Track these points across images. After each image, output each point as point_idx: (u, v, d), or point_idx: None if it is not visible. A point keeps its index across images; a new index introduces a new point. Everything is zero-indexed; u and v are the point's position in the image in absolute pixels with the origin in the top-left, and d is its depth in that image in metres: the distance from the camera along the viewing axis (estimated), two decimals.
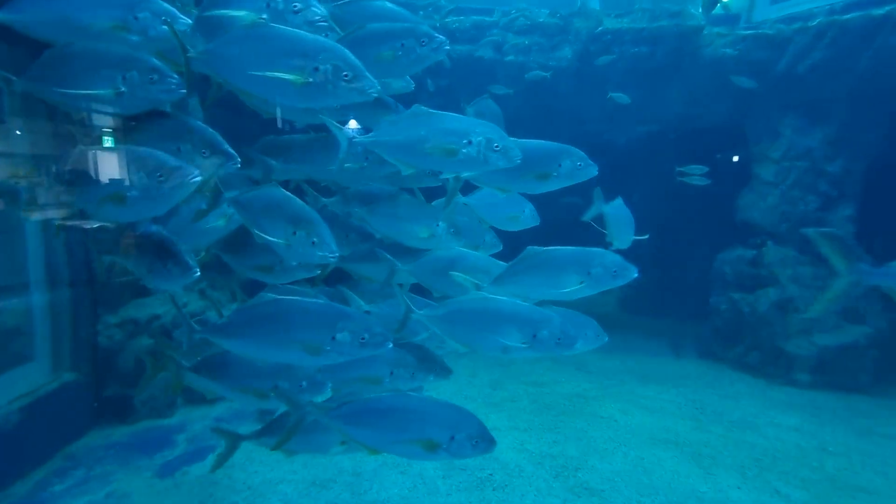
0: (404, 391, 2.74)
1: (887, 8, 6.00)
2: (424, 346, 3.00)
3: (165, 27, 2.40)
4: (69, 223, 4.76)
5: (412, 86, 3.38)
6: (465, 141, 2.51)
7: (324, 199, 3.34)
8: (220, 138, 2.62)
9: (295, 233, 2.60)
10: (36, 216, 4.56)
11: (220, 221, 3.04)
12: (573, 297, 2.74)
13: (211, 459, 4.43)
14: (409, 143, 2.58)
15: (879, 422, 5.57)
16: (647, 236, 4.18)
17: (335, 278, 3.33)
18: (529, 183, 2.83)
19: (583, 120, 8.01)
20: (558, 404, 5.67)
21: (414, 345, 2.97)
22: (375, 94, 2.34)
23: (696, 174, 7.19)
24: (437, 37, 2.80)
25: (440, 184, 3.31)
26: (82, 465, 4.32)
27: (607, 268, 2.67)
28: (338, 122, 2.78)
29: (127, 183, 2.45)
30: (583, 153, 2.75)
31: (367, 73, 2.29)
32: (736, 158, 8.50)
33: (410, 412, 2.38)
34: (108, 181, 2.58)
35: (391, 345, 2.36)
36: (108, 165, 2.60)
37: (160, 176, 2.39)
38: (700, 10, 7.49)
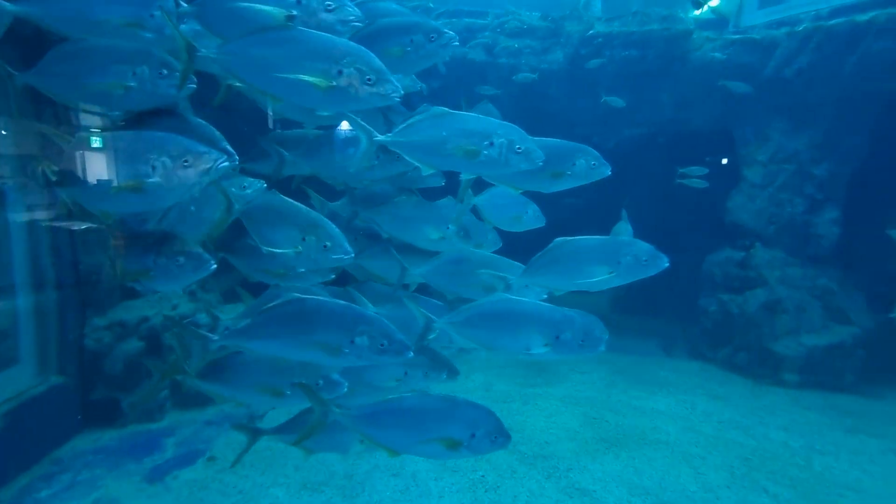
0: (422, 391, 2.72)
1: (871, 14, 6.12)
2: (432, 347, 2.99)
3: (184, 26, 2.38)
4: (57, 223, 4.71)
5: (419, 85, 3.37)
6: (486, 142, 2.50)
7: (330, 204, 3.31)
8: (219, 135, 2.59)
9: (304, 239, 2.56)
10: (22, 216, 4.50)
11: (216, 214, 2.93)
12: (603, 288, 2.71)
13: (201, 463, 4.39)
14: (430, 143, 2.56)
15: (866, 420, 5.66)
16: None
17: (341, 280, 3.31)
18: (544, 181, 2.80)
19: (574, 123, 8.07)
20: (551, 404, 5.69)
21: (423, 345, 2.96)
22: (398, 99, 2.32)
23: (695, 176, 7.26)
24: (447, 33, 2.78)
25: (440, 184, 3.32)
26: (69, 469, 4.26)
27: (637, 257, 2.62)
28: (332, 123, 2.78)
29: (147, 169, 2.30)
30: (597, 153, 2.74)
31: (391, 77, 2.27)
32: (725, 161, 8.61)
33: (430, 411, 2.38)
34: (125, 168, 2.38)
35: (411, 353, 2.34)
36: (124, 151, 2.38)
37: (185, 161, 2.28)
38: (690, 14, 7.59)
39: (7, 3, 2.30)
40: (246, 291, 3.26)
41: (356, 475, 4.22)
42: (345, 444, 2.73)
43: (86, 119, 4.90)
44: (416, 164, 2.67)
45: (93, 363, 4.90)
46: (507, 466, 4.37)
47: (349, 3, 2.51)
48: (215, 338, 2.48)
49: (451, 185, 3.30)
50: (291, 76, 2.21)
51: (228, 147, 2.60)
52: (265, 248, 2.65)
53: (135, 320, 5.12)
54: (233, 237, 2.97)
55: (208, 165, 2.29)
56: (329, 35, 2.27)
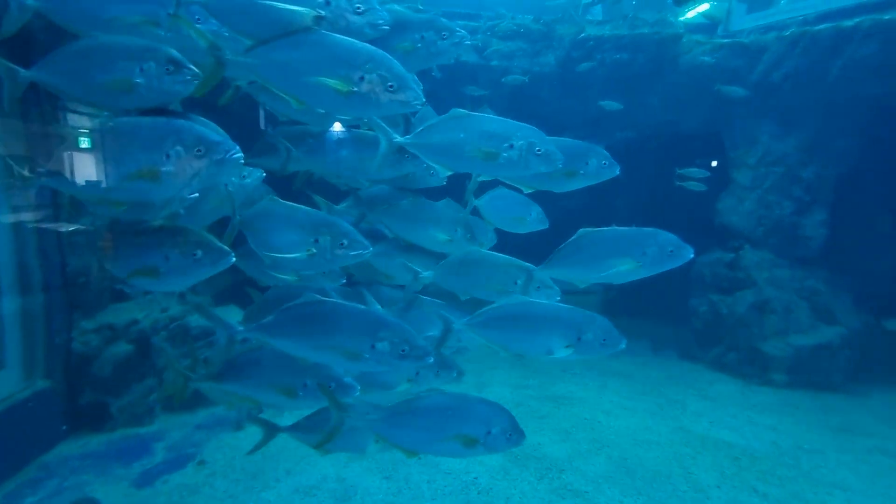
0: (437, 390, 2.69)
1: (856, 20, 6.23)
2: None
3: (198, 25, 2.34)
4: (44, 225, 4.64)
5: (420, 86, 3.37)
6: (506, 144, 2.49)
7: (335, 207, 3.28)
8: (223, 133, 2.53)
9: (317, 240, 2.51)
10: (7, 218, 4.43)
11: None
12: (627, 280, 2.70)
13: (192, 467, 4.34)
14: (450, 145, 2.54)
15: (853, 419, 5.74)
16: None
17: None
18: (557, 180, 2.79)
19: (565, 125, 8.11)
20: (543, 406, 5.70)
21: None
22: (420, 106, 2.30)
23: (695, 179, 7.32)
24: (458, 31, 2.75)
25: (441, 184, 3.31)
26: (56, 475, 4.19)
27: (663, 247, 2.60)
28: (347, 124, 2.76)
29: (162, 157, 2.21)
30: (607, 152, 2.74)
31: (413, 85, 2.24)
32: (715, 164, 8.71)
33: (447, 409, 2.40)
34: (139, 155, 2.28)
35: (432, 359, 2.33)
36: (137, 138, 2.29)
37: (198, 151, 2.21)
38: (680, 18, 7.67)
39: None
40: (256, 291, 3.20)
41: (348, 478, 4.20)
42: (361, 444, 2.74)
43: (73, 119, 4.85)
44: (435, 166, 2.66)
45: (80, 367, 4.83)
46: (499, 468, 4.37)
47: (378, 7, 2.47)
48: (241, 328, 2.45)
49: (450, 184, 3.31)
50: (314, 80, 2.18)
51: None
52: (269, 257, 2.58)
53: (124, 323, 5.06)
54: (239, 240, 2.90)
55: (221, 156, 2.22)
56: (352, 40, 2.24)
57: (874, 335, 6.97)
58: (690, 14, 10.36)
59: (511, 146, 2.49)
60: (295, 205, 2.65)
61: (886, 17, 6.03)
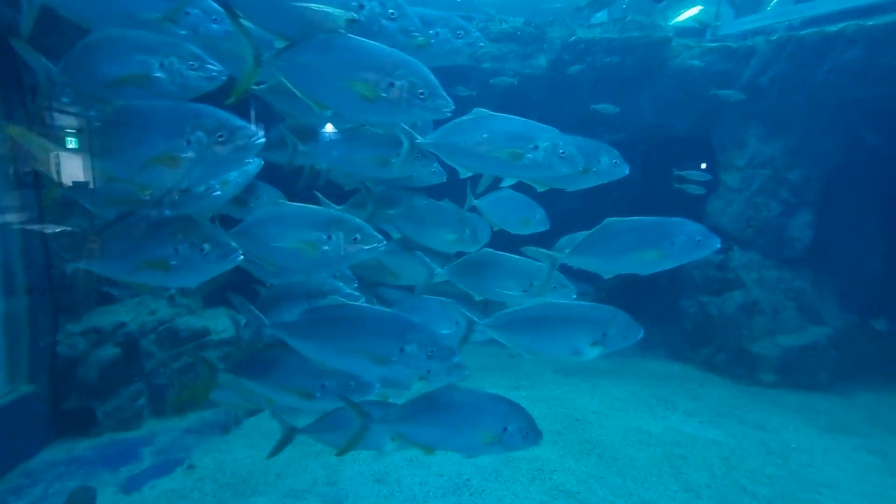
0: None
1: (840, 25, 6.34)
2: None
3: (215, 25, 2.32)
4: (29, 226, 4.56)
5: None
6: (531, 146, 2.48)
7: (337, 207, 3.27)
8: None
9: (330, 237, 2.47)
10: None
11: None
12: (654, 270, 2.69)
13: (180, 472, 4.28)
14: (473, 146, 2.52)
15: (839, 418, 5.82)
16: None
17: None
18: (568, 178, 2.77)
19: (556, 128, 8.16)
20: (535, 408, 5.71)
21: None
22: (449, 114, 2.28)
23: (695, 182, 7.36)
24: (474, 31, 2.73)
25: (442, 180, 3.29)
26: (41, 481, 4.11)
27: (691, 237, 2.59)
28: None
29: (182, 143, 2.14)
30: (618, 152, 2.73)
31: (443, 92, 2.23)
32: (704, 166, 8.81)
33: (465, 407, 2.39)
34: (157, 141, 2.19)
35: (457, 359, 2.32)
36: (153, 123, 2.22)
37: (220, 136, 2.15)
38: (669, 23, 7.75)
39: None
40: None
41: (339, 481, 4.17)
42: (379, 442, 2.72)
43: (59, 119, 4.78)
44: (457, 166, 2.63)
45: (66, 371, 4.74)
46: (491, 469, 4.37)
47: (411, 13, 2.45)
48: (267, 322, 2.41)
49: (448, 184, 3.30)
50: (342, 85, 2.14)
51: None
52: (281, 256, 2.52)
53: (111, 326, 4.98)
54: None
55: (244, 141, 2.16)
56: (383, 46, 2.22)
57: (860, 335, 7.09)
58: (681, 17, 10.50)
59: (536, 147, 2.48)
60: (304, 204, 2.61)
61: (870, 22, 6.15)
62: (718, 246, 2.63)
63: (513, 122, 2.56)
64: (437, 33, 2.63)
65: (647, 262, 2.65)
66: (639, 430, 5.28)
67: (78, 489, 3.74)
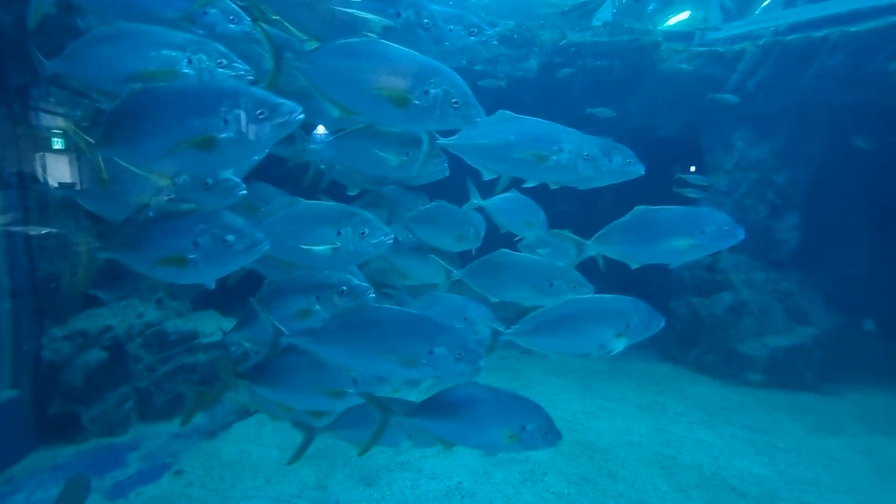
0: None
1: (825, 31, 6.46)
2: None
3: (232, 25, 2.28)
4: (13, 228, 4.48)
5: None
6: (555, 148, 2.47)
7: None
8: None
9: (340, 232, 2.42)
10: None
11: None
12: (684, 259, 2.67)
13: (168, 477, 4.22)
14: (496, 147, 2.50)
15: (825, 418, 5.91)
16: None
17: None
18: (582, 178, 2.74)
19: None
20: None
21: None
22: (480, 123, 2.26)
23: (697, 185, 7.42)
24: (487, 30, 2.71)
25: (445, 174, 3.28)
26: (23, 488, 4.02)
27: (720, 226, 2.59)
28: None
29: (219, 122, 1.99)
30: (632, 152, 2.72)
31: (475, 101, 2.21)
32: (693, 168, 8.90)
33: (484, 404, 2.39)
34: (189, 122, 2.03)
35: (482, 363, 2.31)
36: (184, 103, 2.06)
37: (260, 113, 2.01)
38: (658, 27, 7.83)
39: None
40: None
41: (329, 486, 4.13)
42: (395, 438, 2.71)
43: (45, 119, 4.71)
44: (479, 168, 2.61)
45: (50, 375, 4.66)
46: (482, 472, 4.36)
47: (443, 24, 2.44)
48: (287, 333, 2.36)
49: (444, 185, 3.31)
50: (374, 91, 2.11)
51: None
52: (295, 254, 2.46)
53: (97, 329, 4.90)
54: None
55: (285, 118, 2.04)
56: (416, 53, 2.19)
57: (846, 335, 7.20)
58: (672, 21, 10.62)
59: (560, 149, 2.47)
60: (311, 201, 2.57)
61: (853, 29, 6.27)
62: (743, 237, 2.63)
63: (537, 125, 2.55)
64: (450, 30, 2.61)
65: (678, 252, 2.63)
66: (630, 430, 5.31)
67: (74, 478, 3.65)
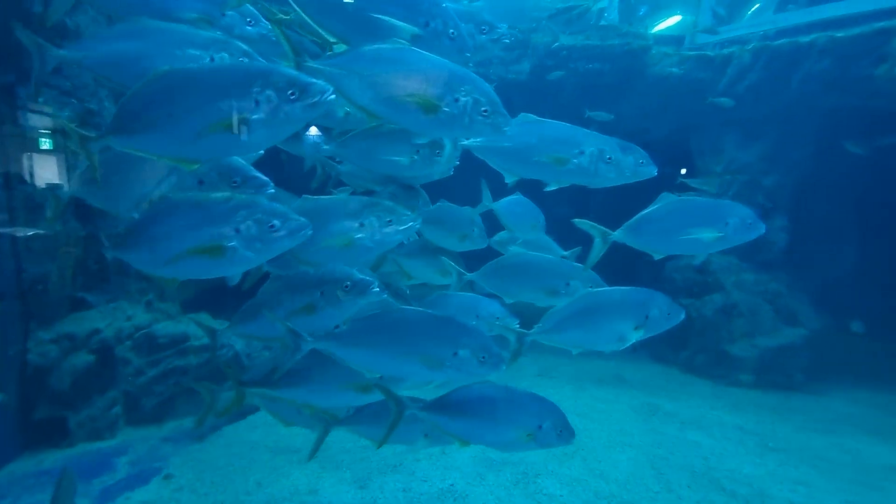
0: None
1: (812, 36, 6.56)
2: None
3: (250, 28, 2.27)
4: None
5: None
6: (576, 151, 2.47)
7: None
8: None
9: (362, 224, 2.39)
10: None
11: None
12: (707, 251, 2.69)
13: (156, 482, 4.16)
14: (518, 150, 2.50)
15: (813, 417, 5.98)
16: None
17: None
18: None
19: None
20: None
21: None
22: (509, 132, 2.27)
23: (702, 189, 7.46)
24: (499, 27, 2.71)
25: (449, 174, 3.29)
26: (7, 495, 3.95)
27: (744, 219, 2.62)
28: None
29: (251, 103, 1.92)
30: (645, 152, 2.72)
31: (504, 110, 2.21)
32: (684, 171, 8.98)
33: (501, 402, 2.40)
34: (218, 104, 1.93)
35: (505, 366, 2.31)
36: (212, 84, 1.97)
37: (292, 94, 1.94)
38: (649, 31, 7.89)
39: None
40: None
41: (321, 490, 4.11)
42: (412, 435, 2.71)
43: (32, 119, 4.65)
44: (501, 171, 2.61)
45: (37, 379, 4.58)
46: (475, 474, 4.36)
47: (466, 35, 2.46)
48: (310, 339, 2.33)
49: (445, 183, 3.30)
50: (402, 98, 2.10)
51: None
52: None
53: (85, 333, 4.83)
54: None
55: (316, 98, 1.97)
56: (446, 60, 2.20)
57: (833, 336, 7.31)
58: (663, 25, 10.71)
59: (581, 152, 2.47)
60: (327, 197, 2.54)
61: (840, 34, 6.37)
62: (764, 231, 2.67)
63: (559, 128, 2.56)
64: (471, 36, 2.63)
65: (703, 243, 2.64)
66: (622, 431, 5.34)
67: (63, 474, 3.57)
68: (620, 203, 2.91)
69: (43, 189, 4.61)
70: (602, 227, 2.77)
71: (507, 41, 2.81)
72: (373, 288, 2.46)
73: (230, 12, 2.34)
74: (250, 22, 2.42)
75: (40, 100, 4.58)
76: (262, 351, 5.67)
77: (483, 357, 2.26)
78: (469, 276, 3.17)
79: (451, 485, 4.20)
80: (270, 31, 2.46)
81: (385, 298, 2.61)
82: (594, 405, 6.02)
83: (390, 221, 2.41)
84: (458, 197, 3.39)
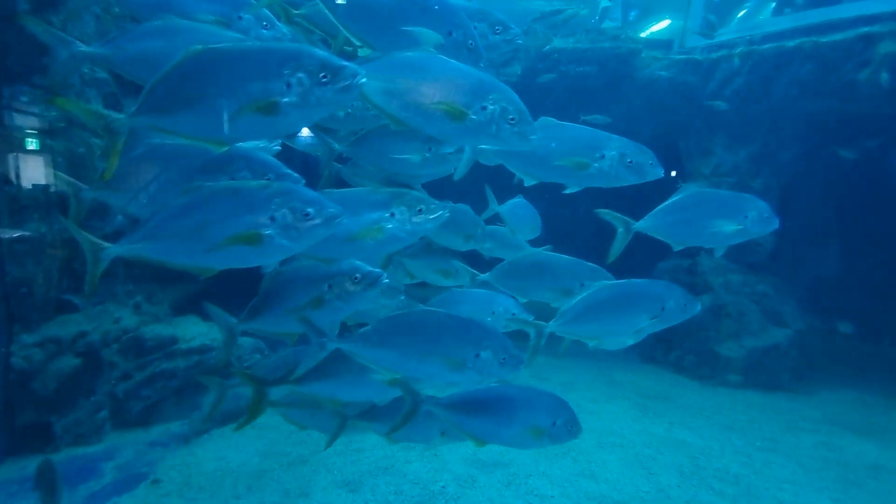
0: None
1: (798, 41, 6.67)
2: None
3: (266, 31, 2.26)
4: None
5: None
6: (597, 154, 2.47)
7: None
8: None
9: (393, 214, 2.36)
10: None
11: None
12: (727, 243, 2.70)
13: (144, 487, 4.11)
14: (538, 154, 2.50)
15: (800, 417, 6.06)
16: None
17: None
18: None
19: None
20: None
21: None
22: (536, 140, 2.26)
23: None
24: (513, 28, 2.70)
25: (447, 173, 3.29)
26: None
27: (761, 213, 2.66)
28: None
29: (282, 86, 1.88)
30: (652, 153, 2.73)
31: (531, 119, 2.21)
32: (674, 173, 9.07)
33: (514, 400, 2.42)
34: (250, 86, 1.89)
35: (525, 368, 2.33)
36: (244, 66, 1.93)
37: (324, 77, 1.90)
38: (638, 35, 7.97)
39: None
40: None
41: (312, 493, 4.08)
42: (427, 434, 2.70)
43: (19, 119, 4.58)
44: (521, 174, 2.61)
45: (21, 384, 4.50)
46: (467, 476, 4.36)
47: (482, 47, 2.48)
48: (334, 342, 2.32)
49: (441, 183, 3.30)
50: (431, 104, 2.09)
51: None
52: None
53: (71, 336, 4.75)
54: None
55: (347, 82, 1.93)
56: (474, 69, 2.20)
57: (819, 336, 7.42)
58: (654, 28, 10.82)
59: (602, 156, 2.48)
60: (350, 189, 2.50)
61: (824, 39, 6.49)
62: (778, 225, 2.70)
63: (580, 131, 2.56)
64: (474, 27, 2.60)
65: (723, 235, 2.66)
66: (612, 432, 5.37)
67: (41, 464, 3.49)
68: (605, 206, 2.92)
69: (28, 190, 4.54)
70: (625, 217, 2.79)
71: (520, 41, 2.81)
72: (382, 280, 2.45)
73: (246, 15, 2.35)
74: (266, 25, 2.43)
75: (24, 99, 4.51)
76: (253, 353, 5.63)
77: (504, 359, 2.28)
78: (482, 276, 3.18)
79: (443, 487, 4.19)
80: (285, 34, 2.47)
81: (404, 299, 2.60)
82: (585, 406, 6.05)
83: (420, 210, 2.40)
84: (458, 197, 3.40)
